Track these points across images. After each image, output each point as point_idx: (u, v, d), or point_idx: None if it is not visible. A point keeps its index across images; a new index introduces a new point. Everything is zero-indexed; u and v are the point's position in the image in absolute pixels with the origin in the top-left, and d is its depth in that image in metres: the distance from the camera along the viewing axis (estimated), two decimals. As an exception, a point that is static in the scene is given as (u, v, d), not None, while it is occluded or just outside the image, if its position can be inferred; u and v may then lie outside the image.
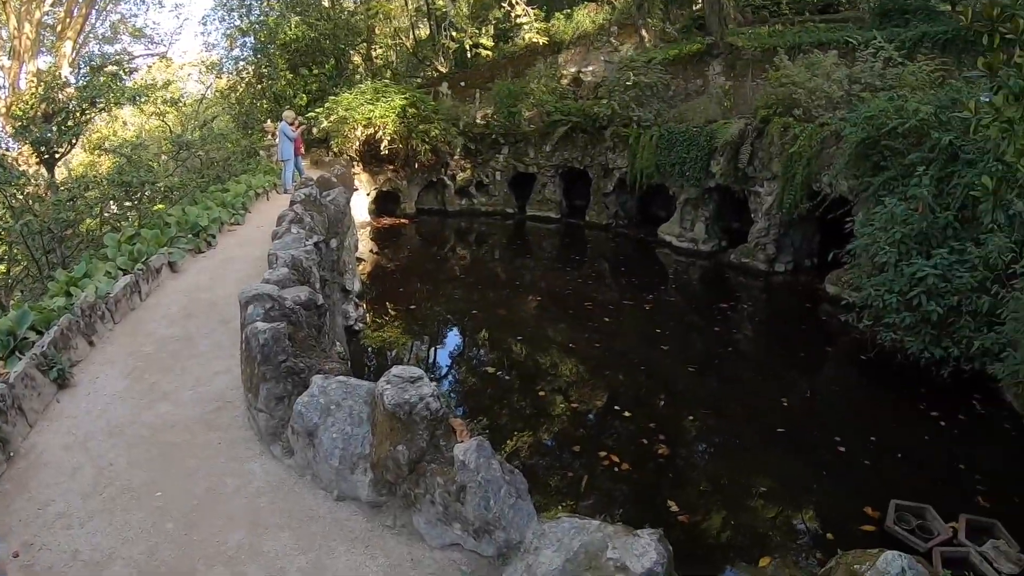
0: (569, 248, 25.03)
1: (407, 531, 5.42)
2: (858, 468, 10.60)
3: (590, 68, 29.76)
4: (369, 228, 25.42)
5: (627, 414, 12.03)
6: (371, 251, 22.14)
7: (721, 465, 10.81)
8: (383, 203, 27.74)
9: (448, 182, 28.79)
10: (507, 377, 13.49)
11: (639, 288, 19.24)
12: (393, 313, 16.43)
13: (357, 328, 13.45)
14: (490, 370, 13.87)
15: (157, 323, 9.78)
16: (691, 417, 12.20)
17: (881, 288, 13.10)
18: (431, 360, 14.76)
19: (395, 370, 5.67)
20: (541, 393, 12.60)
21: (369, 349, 14.46)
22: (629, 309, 17.50)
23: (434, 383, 5.79)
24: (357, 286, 16.18)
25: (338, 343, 10.81)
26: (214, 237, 13.86)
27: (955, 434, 11.45)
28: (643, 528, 4.76)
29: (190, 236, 13.19)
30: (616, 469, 10.29)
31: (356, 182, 25.02)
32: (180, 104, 37.26)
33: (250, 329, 6.82)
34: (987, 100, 5.86)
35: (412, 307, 16.92)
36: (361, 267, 19.52)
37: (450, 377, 13.96)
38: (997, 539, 8.75)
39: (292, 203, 12.27)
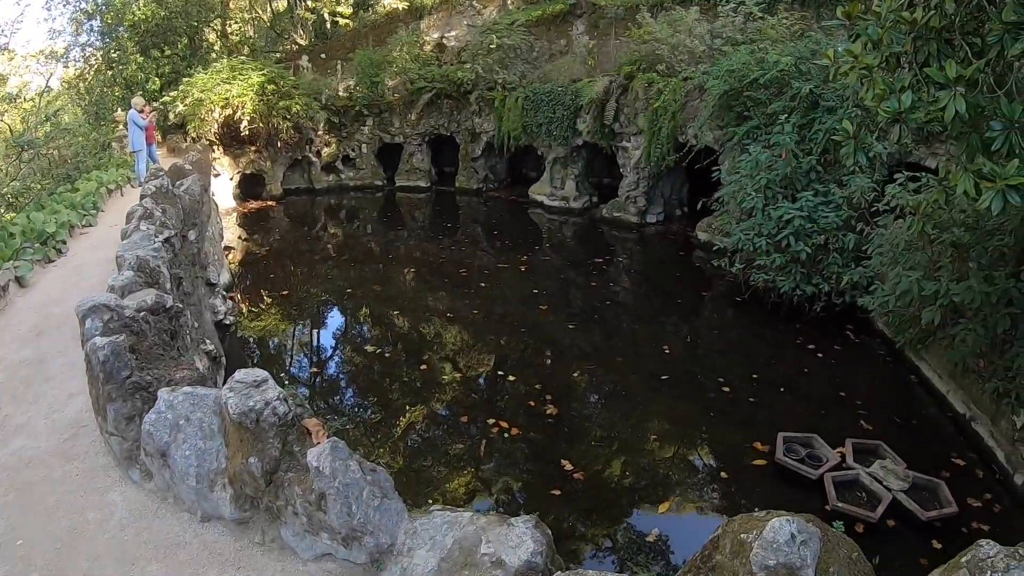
0: (441, 216, 24.56)
1: (277, 546, 4.98)
2: (744, 405, 10.70)
3: (453, 33, 29.12)
4: (236, 214, 23.96)
5: (512, 378, 11.70)
6: (239, 238, 20.91)
7: (611, 417, 10.65)
8: (248, 186, 26.16)
9: (314, 159, 27.44)
10: (390, 353, 12.91)
11: (514, 250, 18.98)
12: (268, 300, 15.53)
13: (228, 322, 12.52)
14: (371, 348, 13.23)
15: (7, 347, 8.66)
16: (576, 373, 12.04)
17: (750, 232, 13.32)
18: (313, 344, 14.03)
19: (238, 375, 5.19)
20: (423, 367, 12.07)
21: (250, 341, 13.56)
22: (505, 272, 17.20)
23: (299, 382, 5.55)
24: (225, 277, 15.17)
25: (208, 341, 9.92)
26: (64, 243, 12.51)
27: (833, 364, 11.75)
28: (518, 516, 4.48)
29: (37, 245, 11.82)
30: (506, 435, 9.96)
31: (217, 166, 23.48)
32: (19, 99, 34.22)
33: (89, 346, 5.97)
34: (846, 48, 5.82)
35: (286, 292, 16.03)
36: (230, 256, 18.42)
37: (334, 359, 13.29)
38: (883, 459, 8.92)
39: (142, 197, 11.11)
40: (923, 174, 10.02)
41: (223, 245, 18.31)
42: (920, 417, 10.23)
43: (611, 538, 8.37)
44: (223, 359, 11.12)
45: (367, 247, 20.36)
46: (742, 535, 4.06)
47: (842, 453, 9.16)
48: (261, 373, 5.17)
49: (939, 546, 7.74)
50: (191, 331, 9.15)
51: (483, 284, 16.17)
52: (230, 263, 17.46)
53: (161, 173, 13.06)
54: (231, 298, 14.31)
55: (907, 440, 9.54)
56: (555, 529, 8.30)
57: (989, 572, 3.61)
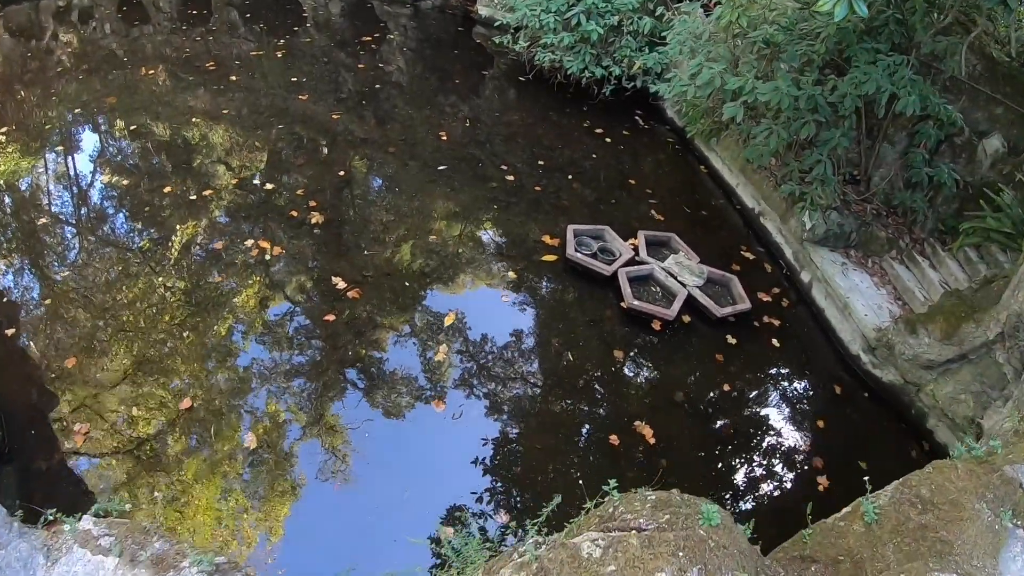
0: (189, 3, 20.88)
1: None
2: (531, 196, 9.95)
3: None
4: None
5: (269, 186, 10.07)
6: None
7: (386, 220, 9.48)
8: None
9: None
10: (133, 174, 10.69)
11: (270, 34, 16.52)
12: (3, 140, 12.37)
13: None
14: (107, 178, 10.93)
15: None
16: (342, 172, 10.56)
17: (537, 8, 12.05)
18: (71, 173, 11.40)
19: None
20: (167, 188, 10.05)
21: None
22: (259, 61, 14.93)
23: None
24: None
25: None
26: None
27: (620, 150, 11.22)
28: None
29: None
30: (267, 256, 8.55)
31: None
32: None
33: None
34: None
35: (22, 121, 12.82)
36: None
37: (95, 184, 10.86)
38: (676, 252, 8.56)
39: None
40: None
41: None
42: (709, 208, 10.02)
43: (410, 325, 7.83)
44: None
45: (107, 50, 16.97)
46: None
47: (635, 246, 8.73)
48: None
49: (734, 341, 7.69)
50: None
51: (233, 78, 13.90)
52: None
53: None
54: None
55: (697, 232, 9.32)
56: (347, 328, 7.52)
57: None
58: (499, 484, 6.16)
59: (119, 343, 7.38)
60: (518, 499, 6.07)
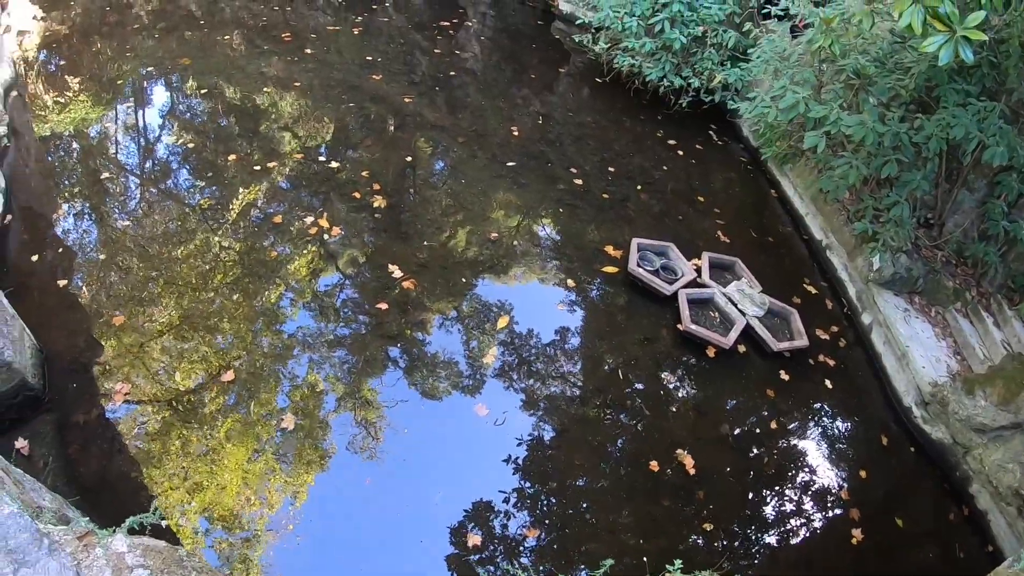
0: None
1: None
2: (597, 202, 9.95)
3: None
4: None
5: (334, 164, 10.16)
6: (35, 18, 16.96)
7: (449, 211, 9.57)
8: None
9: None
10: (195, 138, 10.85)
11: (348, 9, 16.59)
12: (76, 88, 12.65)
13: None
14: (172, 139, 11.13)
15: None
16: (409, 157, 10.64)
17: (621, 10, 11.94)
18: (139, 126, 11.68)
19: None
20: (237, 157, 10.18)
21: (52, 143, 10.92)
22: (335, 36, 15.02)
23: None
24: (7, 75, 12.01)
25: None
26: None
27: (693, 164, 11.12)
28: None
29: None
30: (326, 236, 8.68)
31: None
32: None
33: None
34: None
35: (98, 72, 13.10)
36: (23, 41, 14.88)
37: (162, 139, 11.12)
38: (740, 279, 8.50)
39: None
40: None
41: (16, 31, 14.86)
42: (776, 235, 9.90)
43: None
44: None
45: (184, 10, 17.21)
46: None
47: (698, 267, 8.69)
48: None
49: (787, 378, 7.62)
50: None
51: (311, 51, 14.02)
52: (24, 51, 14.22)
53: None
54: (16, 99, 11.52)
55: (762, 258, 9.23)
56: (396, 313, 7.63)
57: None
58: (532, 495, 6.22)
59: (169, 296, 7.59)
60: (550, 515, 6.12)
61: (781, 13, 9.54)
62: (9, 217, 8.59)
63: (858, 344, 8.32)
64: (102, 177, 9.66)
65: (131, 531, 3.53)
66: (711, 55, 11.42)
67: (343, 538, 5.67)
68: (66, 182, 9.67)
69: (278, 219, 8.87)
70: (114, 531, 3.28)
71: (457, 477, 6.29)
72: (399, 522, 5.82)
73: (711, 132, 11.97)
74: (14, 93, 11.73)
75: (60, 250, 8.17)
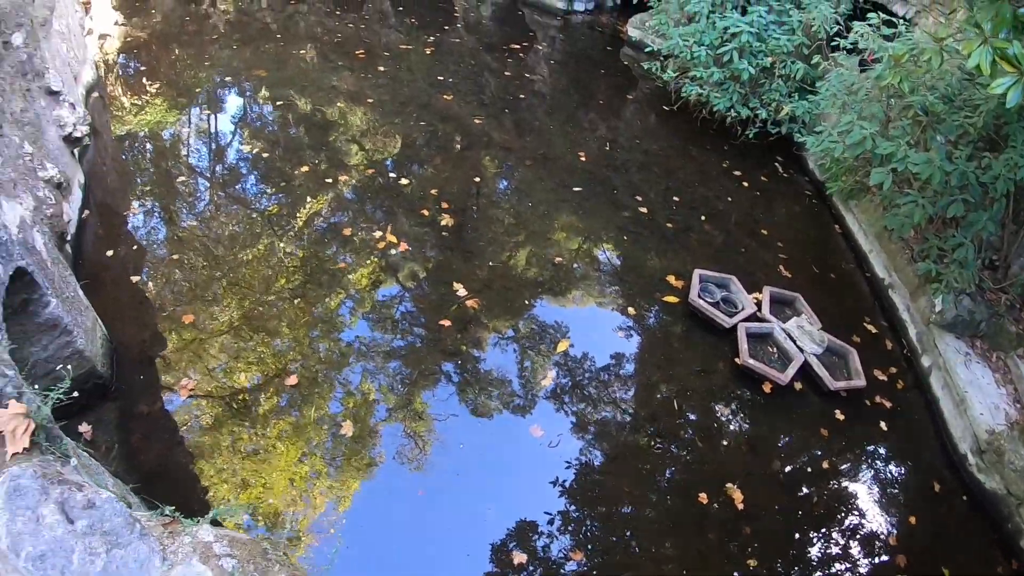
0: None
1: None
2: (661, 230, 10.05)
3: None
4: None
5: (404, 181, 10.47)
6: (116, 23, 17.75)
7: (514, 232, 9.76)
8: None
9: None
10: (268, 149, 11.22)
11: (421, 29, 16.96)
12: (153, 92, 13.26)
13: (79, 135, 10.31)
14: (246, 148, 11.59)
15: None
16: (478, 178, 10.90)
17: (690, 39, 12.02)
18: (212, 131, 12.22)
19: None
20: (307, 168, 10.67)
21: (127, 144, 11.47)
22: (407, 54, 15.38)
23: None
24: (89, 76, 12.67)
25: (48, 165, 7.93)
26: None
27: (757, 196, 11.13)
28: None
29: None
30: (393, 251, 8.95)
31: None
32: None
33: None
34: None
35: (169, 80, 13.72)
36: (104, 45, 15.61)
37: (233, 145, 11.62)
38: (800, 315, 8.51)
39: None
40: (900, 20, 9.00)
41: (98, 34, 15.57)
42: (838, 272, 9.85)
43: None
44: (76, 181, 9.39)
45: (261, 23, 17.79)
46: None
47: (758, 300, 8.73)
48: None
49: (842, 418, 7.60)
50: (24, 160, 7.35)
51: (381, 68, 14.40)
52: (105, 53, 14.91)
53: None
54: (96, 100, 12.13)
55: (823, 295, 9.19)
56: (451, 332, 7.86)
57: None
58: (577, 519, 6.33)
59: (231, 297, 7.97)
60: (594, 540, 6.21)
61: (850, 46, 9.52)
62: (87, 212, 9.09)
63: (916, 387, 8.24)
64: (174, 178, 10.14)
65: (214, 522, 3.65)
66: (779, 86, 11.42)
67: (388, 545, 5.86)
68: (140, 181, 10.19)
69: (347, 231, 9.20)
70: (198, 521, 3.40)
71: (508, 494, 6.46)
72: (447, 534, 6.00)
73: (777, 164, 11.97)
74: (95, 94, 12.33)
75: (133, 247, 8.62)
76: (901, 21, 9.08)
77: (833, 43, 10.46)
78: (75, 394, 4.25)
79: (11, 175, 6.68)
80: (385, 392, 7.15)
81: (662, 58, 13.00)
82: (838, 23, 10.66)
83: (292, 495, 6.04)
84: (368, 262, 8.81)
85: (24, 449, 3.11)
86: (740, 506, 6.51)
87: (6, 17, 8.39)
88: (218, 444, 6.32)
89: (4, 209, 6.04)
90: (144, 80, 13.74)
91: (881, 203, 9.11)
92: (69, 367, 6.56)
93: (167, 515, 3.36)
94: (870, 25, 8.91)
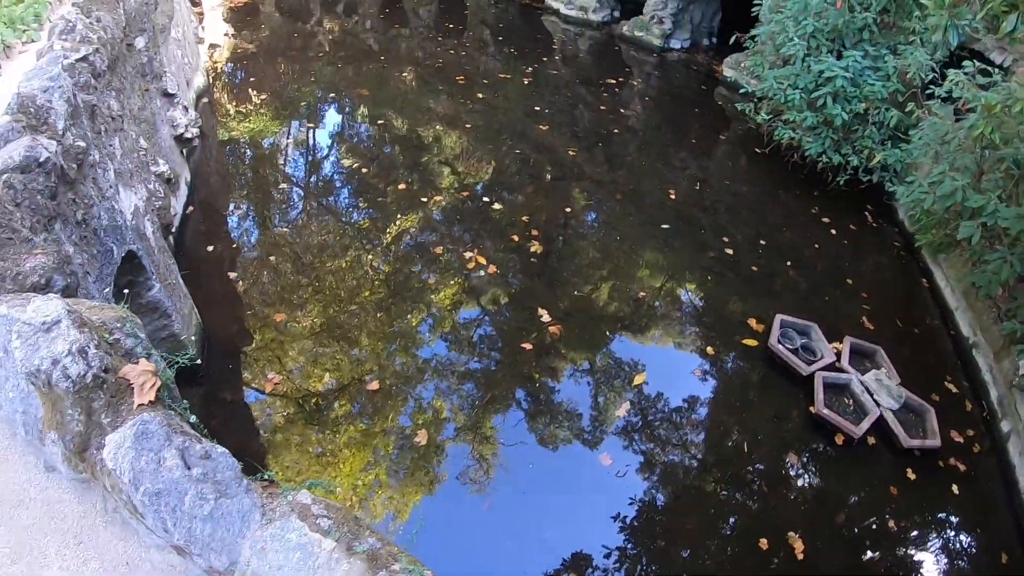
0: (447, 14, 21.96)
1: (120, 518, 3.81)
2: (745, 273, 10.14)
3: None
4: (223, 8, 21.36)
5: (498, 206, 10.87)
6: (226, 35, 18.81)
7: (600, 265, 10.03)
8: None
9: None
10: (370, 165, 11.82)
11: (520, 59, 17.43)
12: (256, 101, 14.09)
13: (190, 136, 11.03)
14: (348, 162, 12.17)
15: None
16: (568, 209, 11.21)
17: (784, 82, 12.06)
18: (310, 143, 12.93)
19: (29, 310, 3.54)
20: (401, 186, 11.23)
21: (228, 150, 12.24)
22: (505, 83, 15.82)
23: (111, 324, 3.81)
24: (199, 82, 13.51)
25: (161, 161, 8.64)
26: None
27: (845, 244, 11.08)
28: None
29: (-46, 71, 9.76)
30: (482, 273, 9.31)
31: None
32: None
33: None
34: None
35: (272, 92, 14.50)
36: (214, 54, 16.59)
37: (329, 158, 12.29)
38: (880, 368, 8.47)
39: (74, 4, 8.77)
40: (996, 70, 8.88)
41: (208, 43, 16.54)
42: (923, 327, 9.74)
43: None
44: (184, 178, 10.11)
45: (365, 44, 18.59)
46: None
47: (838, 350, 8.73)
48: (53, 309, 3.55)
49: (913, 477, 7.53)
50: (139, 154, 7.99)
51: (480, 95, 14.87)
52: (214, 62, 15.84)
53: (98, -28, 10.72)
54: (205, 105, 12.94)
55: (904, 349, 9.12)
56: (529, 358, 8.14)
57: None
58: (634, 555, 6.46)
59: (315, 303, 8.49)
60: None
61: (945, 95, 9.40)
62: (191, 208, 9.77)
63: (993, 452, 8.07)
64: (272, 185, 10.79)
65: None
66: (872, 133, 11.34)
67: (447, 553, 6.11)
68: (240, 184, 10.90)
69: (437, 250, 9.66)
70: (297, 488, 3.61)
71: (570, 518, 6.66)
72: (505, 551, 6.26)
73: (867, 213, 11.88)
74: (204, 99, 13.15)
75: (232, 245, 9.23)
76: (997, 70, 8.97)
77: (928, 91, 10.37)
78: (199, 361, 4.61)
79: (129, 167, 7.32)
80: (456, 411, 7.48)
81: (756, 99, 13.04)
82: (933, 70, 10.53)
83: (354, 500, 6.40)
84: (453, 282, 9.21)
85: (150, 402, 3.49)
86: (800, 556, 6.55)
87: (132, 21, 9.12)
88: (288, 442, 6.75)
89: (121, 197, 6.63)
90: (250, 90, 14.59)
91: (970, 258, 8.99)
92: (193, 337, 7.14)
93: (266, 479, 3.63)
94: (965, 73, 8.82)
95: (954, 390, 8.70)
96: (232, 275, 8.75)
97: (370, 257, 9.39)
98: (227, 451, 3.38)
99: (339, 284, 8.90)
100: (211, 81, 14.55)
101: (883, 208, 11.97)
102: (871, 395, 8.11)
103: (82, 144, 5.63)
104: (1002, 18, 4.64)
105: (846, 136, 11.69)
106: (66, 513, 3.88)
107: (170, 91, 10.54)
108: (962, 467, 7.72)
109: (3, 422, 4.22)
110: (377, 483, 6.59)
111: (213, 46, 17.25)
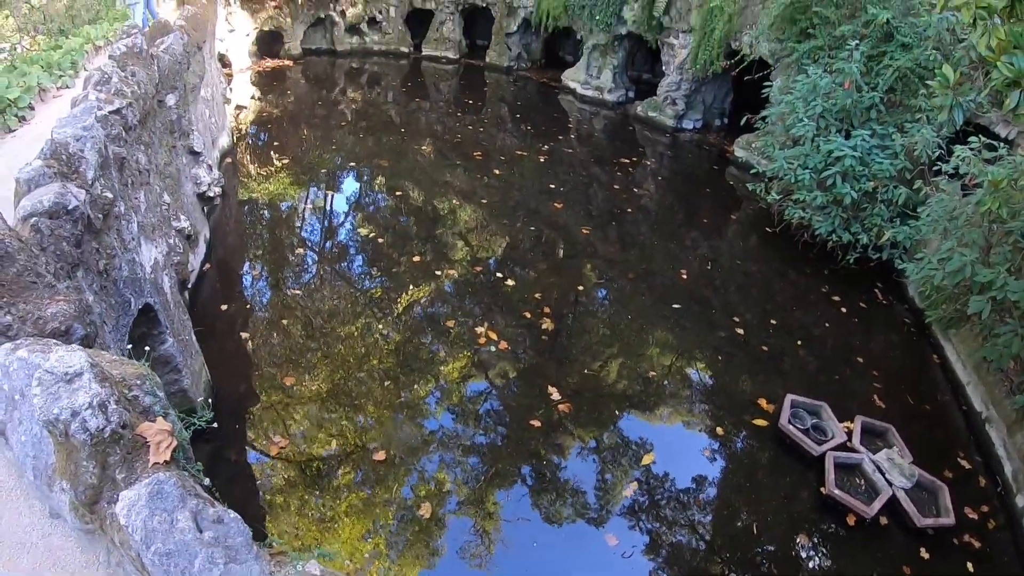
0: (467, 91, 22.90)
1: (123, 572, 3.83)
2: (755, 353, 10.14)
3: None
4: (251, 72, 22.31)
5: (510, 283, 11.04)
6: (252, 97, 19.65)
7: (610, 343, 10.09)
8: (266, 44, 23.86)
9: (337, 19, 25.07)
10: (384, 234, 12.14)
11: (536, 137, 17.90)
12: (277, 165, 14.64)
13: (212, 194, 11.45)
14: (363, 231, 12.57)
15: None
16: (580, 287, 11.36)
17: (794, 162, 12.29)
18: (327, 209, 13.33)
19: (52, 359, 3.63)
20: (416, 257, 11.51)
21: (246, 210, 12.68)
22: (521, 160, 16.22)
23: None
24: (224, 141, 14.10)
25: (183, 217, 9.01)
26: (31, 109, 10.91)
27: (855, 323, 11.08)
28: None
29: (-7, 113, 10.39)
30: (493, 348, 9.41)
31: (232, 22, 21.68)
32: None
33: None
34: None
35: (294, 157, 15.04)
36: (240, 115, 17.31)
37: (345, 226, 12.64)
38: (891, 447, 8.41)
39: (111, 58, 9.17)
40: (1001, 143, 9.03)
41: (235, 104, 17.22)
42: (935, 404, 9.66)
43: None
44: (203, 236, 10.45)
45: (386, 116, 19.26)
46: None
47: (849, 430, 8.67)
48: (77, 361, 3.61)
49: (926, 556, 7.39)
50: (162, 208, 8.32)
51: (496, 171, 15.25)
52: (239, 123, 16.48)
53: (136, 30, 11.42)
54: (228, 164, 13.44)
55: (916, 427, 9.03)
56: (536, 435, 8.16)
57: None
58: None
59: (323, 367, 8.59)
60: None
61: (952, 171, 9.52)
62: (207, 265, 10.00)
63: (1008, 527, 7.89)
64: (288, 248, 11.04)
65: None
66: (881, 211, 11.46)
67: None
68: (257, 245, 11.14)
69: (448, 323, 9.79)
70: (307, 557, 3.61)
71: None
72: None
73: (876, 290, 11.91)
74: (228, 159, 13.56)
75: (245, 305, 9.40)
76: (1003, 144, 9.09)
77: (935, 167, 10.51)
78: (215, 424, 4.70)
79: (152, 220, 7.58)
80: (460, 485, 7.47)
81: (767, 179, 13.25)
82: (940, 147, 10.66)
83: (351, 569, 6.35)
84: (463, 355, 9.31)
85: (165, 461, 3.55)
86: (813, 640, 6.45)
87: (165, 79, 9.54)
88: (288, 505, 6.77)
89: (143, 249, 6.84)
90: (272, 153, 15.10)
91: (980, 333, 8.97)
92: (210, 400, 7.25)
93: (275, 546, 3.63)
94: (971, 149, 8.93)
95: (967, 466, 8.58)
96: (244, 335, 8.94)
97: (380, 325, 9.55)
98: (239, 517, 3.39)
99: (348, 350, 9.05)
100: (235, 141, 15.09)
101: (892, 285, 11.99)
102: (883, 474, 8.02)
103: (109, 195, 5.89)
104: (1005, 93, 4.77)
105: (855, 214, 11.82)
106: (68, 561, 3.93)
107: (196, 149, 10.99)
108: (977, 544, 7.56)
109: (11, 464, 4.28)
110: (376, 553, 6.56)
111: (240, 107, 17.91)
